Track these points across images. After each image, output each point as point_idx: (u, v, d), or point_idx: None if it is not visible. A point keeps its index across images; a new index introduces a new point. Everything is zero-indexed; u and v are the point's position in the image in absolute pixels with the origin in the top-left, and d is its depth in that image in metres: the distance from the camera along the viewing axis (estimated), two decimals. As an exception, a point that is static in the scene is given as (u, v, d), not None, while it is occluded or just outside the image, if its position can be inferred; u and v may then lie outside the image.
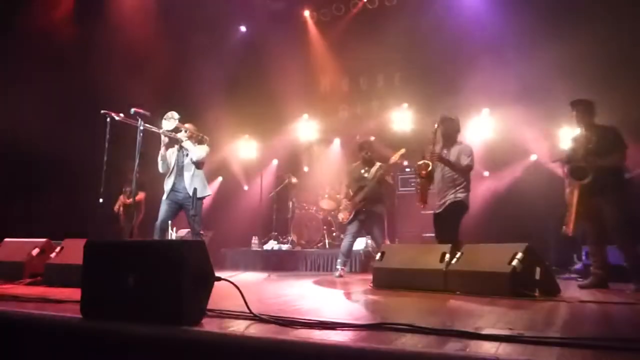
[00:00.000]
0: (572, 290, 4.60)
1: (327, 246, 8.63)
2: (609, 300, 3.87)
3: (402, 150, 6.31)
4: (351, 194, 6.57)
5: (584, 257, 6.29)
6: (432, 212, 5.97)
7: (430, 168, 5.49)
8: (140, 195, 8.07)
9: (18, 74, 7.94)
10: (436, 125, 5.58)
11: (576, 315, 3.13)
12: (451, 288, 4.23)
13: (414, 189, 8.68)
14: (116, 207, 8.32)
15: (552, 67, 7.71)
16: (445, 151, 5.60)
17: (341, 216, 6.59)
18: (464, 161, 5.48)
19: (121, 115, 5.20)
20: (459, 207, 5.47)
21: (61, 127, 8.16)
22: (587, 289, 4.71)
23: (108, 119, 5.17)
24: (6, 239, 5.15)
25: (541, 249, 4.84)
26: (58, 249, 4.66)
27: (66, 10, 8.90)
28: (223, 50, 10.73)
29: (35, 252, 4.74)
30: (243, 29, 11.00)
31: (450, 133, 5.63)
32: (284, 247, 8.80)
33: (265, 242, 9.15)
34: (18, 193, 8.37)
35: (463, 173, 5.51)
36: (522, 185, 8.30)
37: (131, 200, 7.95)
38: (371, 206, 6.36)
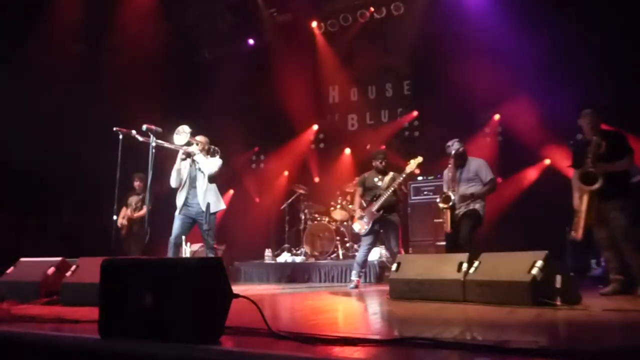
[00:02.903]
0: (593, 297, 4.50)
1: (340, 257, 8.57)
2: (633, 307, 3.78)
3: (419, 159, 6.29)
4: (364, 204, 6.53)
5: (603, 263, 6.18)
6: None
7: (451, 202, 5.65)
8: (145, 210, 8.02)
9: (30, 92, 8.01)
10: (453, 152, 5.85)
11: (601, 325, 3.06)
12: (470, 298, 4.16)
13: (426, 197, 8.63)
14: (120, 220, 8.15)
15: (561, 68, 7.66)
16: (459, 171, 5.83)
17: (357, 227, 6.50)
18: (487, 176, 5.72)
19: (133, 131, 5.21)
20: (474, 217, 5.54)
21: (74, 144, 8.23)
22: (609, 296, 4.61)
23: (120, 136, 5.19)
24: (21, 259, 5.15)
25: (558, 254, 4.77)
26: (73, 267, 4.64)
27: (76, 26, 8.98)
28: (232, 63, 10.76)
29: (50, 271, 4.72)
30: (251, 41, 11.03)
31: (461, 154, 5.86)
32: (298, 259, 8.76)
33: (279, 255, 9.10)
34: (32, 211, 8.42)
35: (492, 190, 5.75)
36: (537, 190, 8.21)
37: (138, 213, 7.91)
38: (388, 215, 6.31)
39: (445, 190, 5.93)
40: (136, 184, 8.00)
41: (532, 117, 7.98)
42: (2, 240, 8.02)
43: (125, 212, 8.07)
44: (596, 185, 4.63)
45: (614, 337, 2.76)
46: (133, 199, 8.07)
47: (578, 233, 4.77)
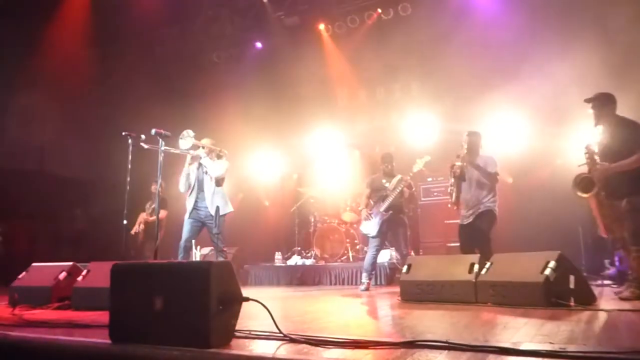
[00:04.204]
0: (607, 298, 4.44)
1: (350, 259, 8.54)
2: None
3: (427, 158, 6.27)
4: (372, 204, 6.51)
5: (617, 263, 6.11)
6: (456, 221, 5.94)
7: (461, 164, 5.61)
8: (163, 214, 8.08)
9: (41, 99, 8.08)
10: (465, 140, 5.74)
11: (616, 325, 3.01)
12: (482, 300, 4.12)
13: (436, 198, 8.58)
14: (135, 227, 8.24)
15: (573, 68, 7.58)
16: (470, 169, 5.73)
17: (366, 228, 6.45)
18: (492, 169, 5.64)
19: (142, 137, 5.23)
20: (490, 217, 5.48)
21: (85, 150, 8.28)
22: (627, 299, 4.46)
23: (130, 141, 5.20)
24: (33, 264, 5.18)
25: (571, 255, 4.69)
26: (84, 272, 4.66)
27: (85, 33, 9.05)
28: (240, 67, 10.79)
29: (62, 276, 4.74)
30: (259, 44, 11.05)
31: (474, 146, 5.77)
32: (308, 261, 8.74)
33: (289, 257, 9.09)
34: (45, 217, 8.48)
35: (491, 179, 5.63)
36: (549, 190, 8.12)
37: (154, 217, 7.94)
38: (394, 216, 6.29)
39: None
40: (153, 187, 8.03)
41: (543, 115, 7.91)
42: (16, 245, 8.09)
43: (142, 216, 8.16)
44: (591, 194, 4.41)
45: (629, 338, 2.71)
46: (150, 203, 8.13)
47: (601, 230, 4.61)
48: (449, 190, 5.77)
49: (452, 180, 5.73)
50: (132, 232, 8.18)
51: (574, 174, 4.74)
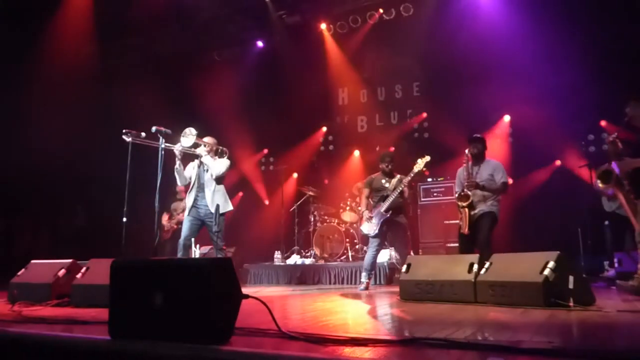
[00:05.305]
0: (607, 299, 4.44)
1: (350, 259, 8.54)
2: (648, 308, 3.71)
3: (427, 158, 6.25)
4: (372, 204, 6.51)
5: (616, 264, 6.11)
6: (455, 222, 5.94)
7: (470, 200, 5.56)
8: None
9: (42, 97, 8.08)
10: (467, 151, 5.79)
11: (616, 326, 3.01)
12: (481, 299, 4.12)
13: (436, 199, 8.59)
14: (164, 224, 8.32)
15: (574, 69, 7.59)
16: (475, 169, 5.75)
17: (366, 228, 6.43)
18: (501, 179, 5.64)
19: (142, 134, 5.24)
20: (491, 219, 5.49)
21: (86, 148, 8.29)
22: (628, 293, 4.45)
23: (130, 138, 5.21)
24: (33, 261, 5.18)
25: (571, 256, 4.68)
26: (84, 269, 4.65)
27: (87, 31, 9.06)
28: (241, 65, 10.79)
29: (61, 273, 4.73)
30: (260, 44, 11.05)
31: (479, 151, 5.79)
32: (307, 261, 8.74)
33: (288, 257, 9.09)
34: (46, 215, 8.48)
35: (502, 192, 5.66)
36: (548, 191, 8.14)
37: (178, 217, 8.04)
38: (395, 216, 6.29)
39: (457, 189, 5.89)
40: (179, 188, 8.09)
41: (543, 117, 7.91)
42: (16, 242, 8.10)
43: (167, 217, 8.23)
44: (609, 184, 4.46)
45: (628, 338, 2.71)
46: (178, 205, 8.20)
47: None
48: (460, 220, 5.68)
49: (461, 210, 5.65)
50: (165, 227, 8.30)
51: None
